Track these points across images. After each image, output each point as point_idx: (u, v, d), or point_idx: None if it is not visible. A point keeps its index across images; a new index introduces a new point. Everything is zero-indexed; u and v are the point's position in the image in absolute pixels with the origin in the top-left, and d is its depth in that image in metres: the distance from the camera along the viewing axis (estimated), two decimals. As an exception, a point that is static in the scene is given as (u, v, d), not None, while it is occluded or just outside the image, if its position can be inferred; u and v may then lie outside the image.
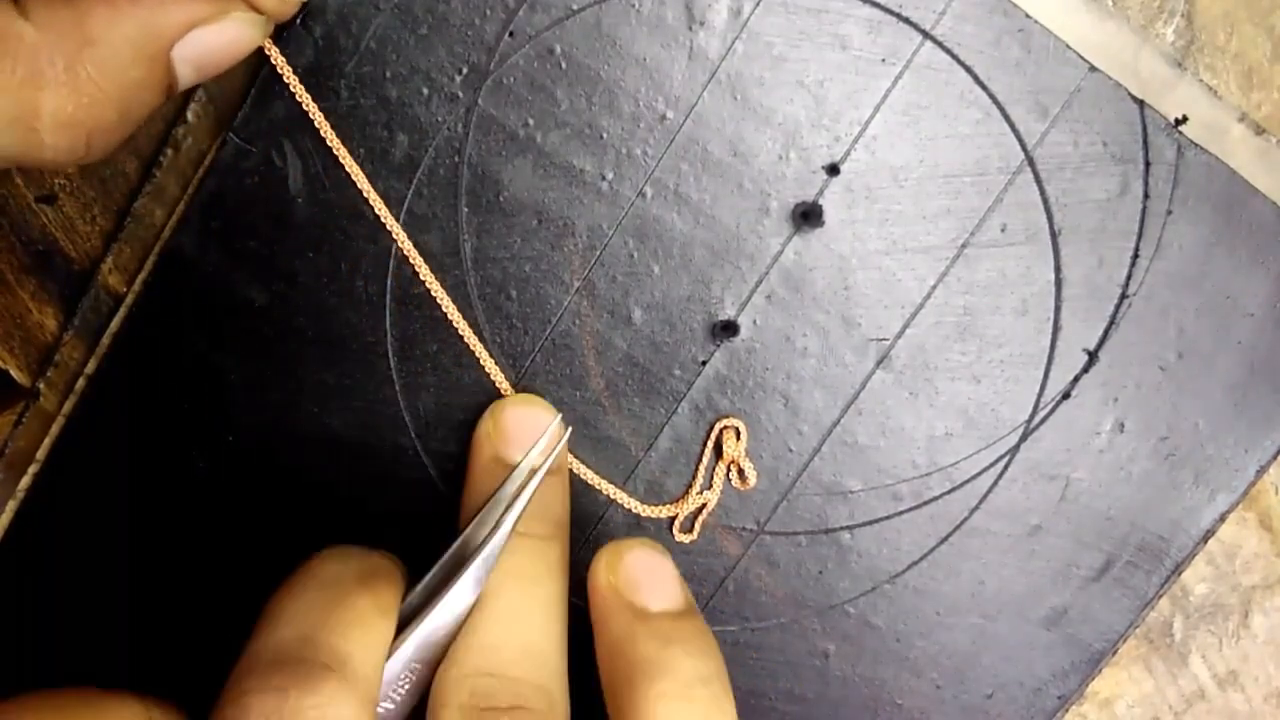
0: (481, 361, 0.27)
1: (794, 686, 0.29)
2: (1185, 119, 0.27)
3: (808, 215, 0.27)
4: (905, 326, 0.28)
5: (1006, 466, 0.28)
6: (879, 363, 0.28)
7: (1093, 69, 0.27)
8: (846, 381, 0.28)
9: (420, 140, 0.26)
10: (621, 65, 0.26)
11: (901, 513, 0.28)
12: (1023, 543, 0.29)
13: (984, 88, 0.26)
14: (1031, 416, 0.28)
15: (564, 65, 0.26)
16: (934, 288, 0.27)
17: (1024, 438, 0.28)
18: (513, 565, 0.24)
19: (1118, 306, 0.28)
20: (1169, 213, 0.27)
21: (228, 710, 0.20)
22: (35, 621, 0.28)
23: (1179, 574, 0.29)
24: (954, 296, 0.27)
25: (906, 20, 0.26)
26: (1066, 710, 0.30)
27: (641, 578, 0.25)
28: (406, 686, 0.23)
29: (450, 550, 0.25)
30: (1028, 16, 0.26)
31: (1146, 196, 0.27)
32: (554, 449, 0.26)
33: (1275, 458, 0.29)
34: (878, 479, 0.28)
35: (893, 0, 0.26)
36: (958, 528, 0.29)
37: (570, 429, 0.27)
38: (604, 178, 0.26)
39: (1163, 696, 0.31)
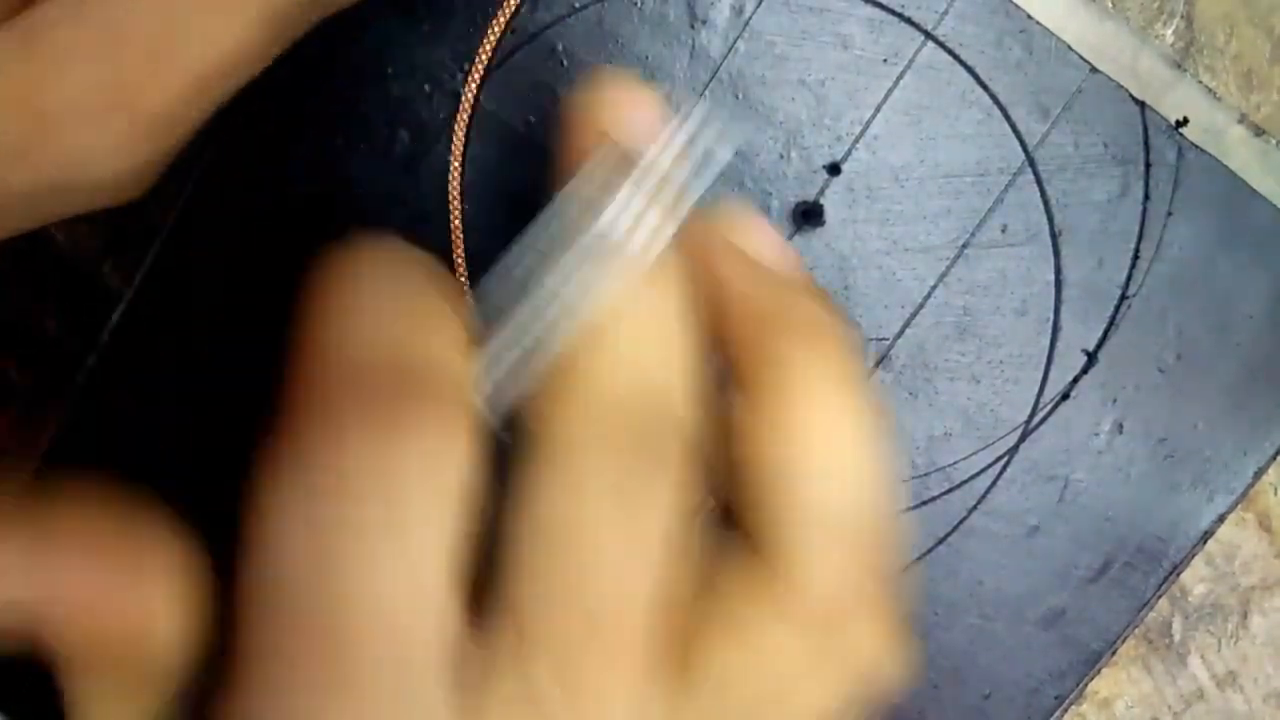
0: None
1: (793, 686, 0.29)
2: (1186, 121, 0.27)
3: (808, 214, 0.27)
4: (905, 326, 0.28)
5: (1005, 467, 0.28)
6: (879, 363, 0.28)
7: (1094, 70, 0.27)
8: (846, 381, 0.28)
9: (422, 137, 0.26)
10: (623, 63, 0.26)
11: (900, 512, 0.29)
12: (1021, 543, 0.29)
13: (985, 88, 0.27)
14: (1030, 417, 0.28)
15: (565, 63, 0.26)
16: (934, 288, 0.27)
17: (1023, 438, 0.28)
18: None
19: (1117, 307, 0.28)
20: (1169, 214, 0.28)
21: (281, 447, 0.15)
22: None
23: (1178, 575, 0.29)
24: (954, 296, 0.27)
25: (908, 20, 0.26)
26: (1065, 710, 0.30)
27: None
28: None
29: (544, 228, 0.17)
30: (1029, 17, 0.26)
31: (1147, 198, 0.27)
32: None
33: (1274, 459, 0.29)
34: (877, 479, 0.28)
35: (895, 0, 0.26)
36: (956, 528, 0.29)
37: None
38: (605, 176, 0.26)
39: (1161, 697, 0.31)
